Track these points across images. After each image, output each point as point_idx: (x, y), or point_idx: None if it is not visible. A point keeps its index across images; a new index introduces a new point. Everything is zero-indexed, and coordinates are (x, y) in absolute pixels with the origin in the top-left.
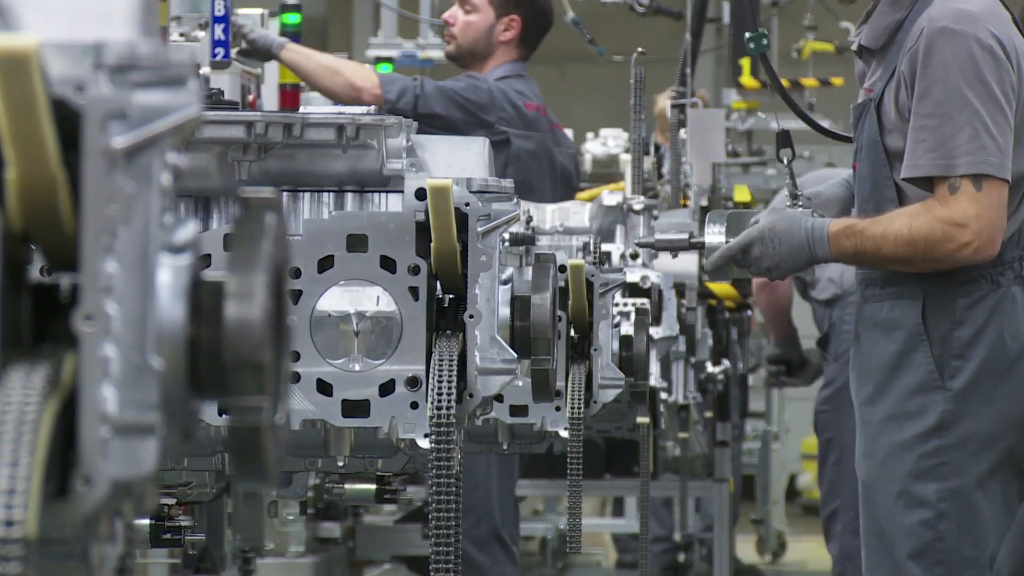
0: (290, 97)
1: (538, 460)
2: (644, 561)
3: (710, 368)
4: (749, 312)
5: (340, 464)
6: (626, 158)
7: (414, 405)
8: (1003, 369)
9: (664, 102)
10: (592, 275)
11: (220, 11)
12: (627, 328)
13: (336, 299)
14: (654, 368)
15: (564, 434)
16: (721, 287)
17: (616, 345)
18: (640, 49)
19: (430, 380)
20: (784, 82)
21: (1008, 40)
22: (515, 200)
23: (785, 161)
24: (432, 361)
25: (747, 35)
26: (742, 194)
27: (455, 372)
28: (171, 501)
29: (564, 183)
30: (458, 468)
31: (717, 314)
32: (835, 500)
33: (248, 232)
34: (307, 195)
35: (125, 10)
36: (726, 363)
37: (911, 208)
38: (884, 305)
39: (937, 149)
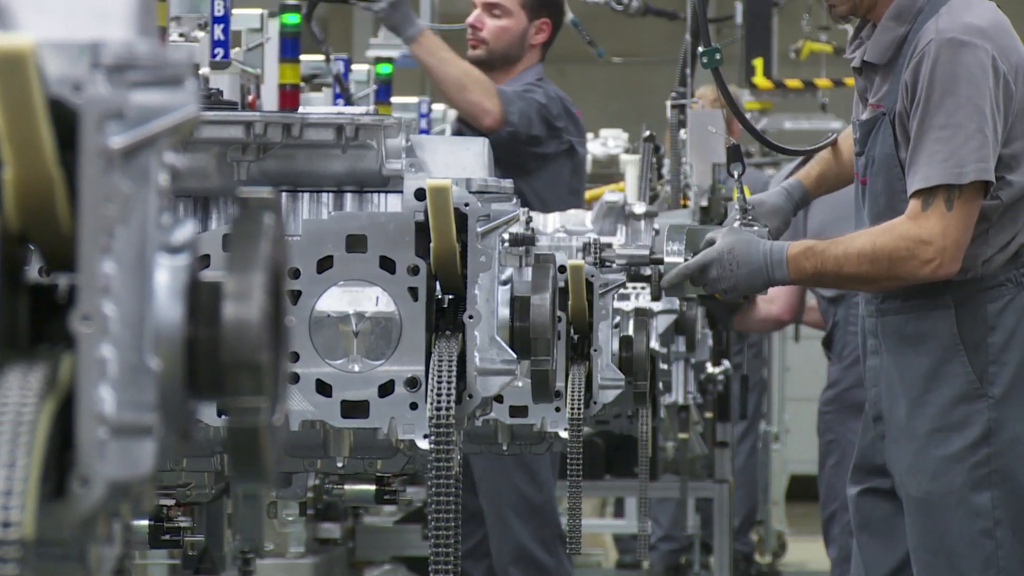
0: (290, 98)
1: None
2: (644, 549)
3: (710, 368)
4: None
5: (339, 465)
6: (626, 158)
7: (413, 406)
8: None
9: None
10: (592, 275)
11: (220, 11)
12: (632, 304)
13: (335, 300)
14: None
15: (564, 435)
16: None
17: (616, 346)
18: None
19: (429, 381)
20: (797, 83)
21: (1014, 53)
22: (515, 200)
23: (736, 175)
24: (431, 362)
25: (700, 50)
26: None
27: (454, 373)
28: (170, 502)
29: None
30: (457, 469)
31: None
32: (834, 502)
33: (246, 232)
34: (306, 195)
35: (122, 10)
36: (726, 363)
37: (875, 228)
38: (910, 317)
39: (935, 157)
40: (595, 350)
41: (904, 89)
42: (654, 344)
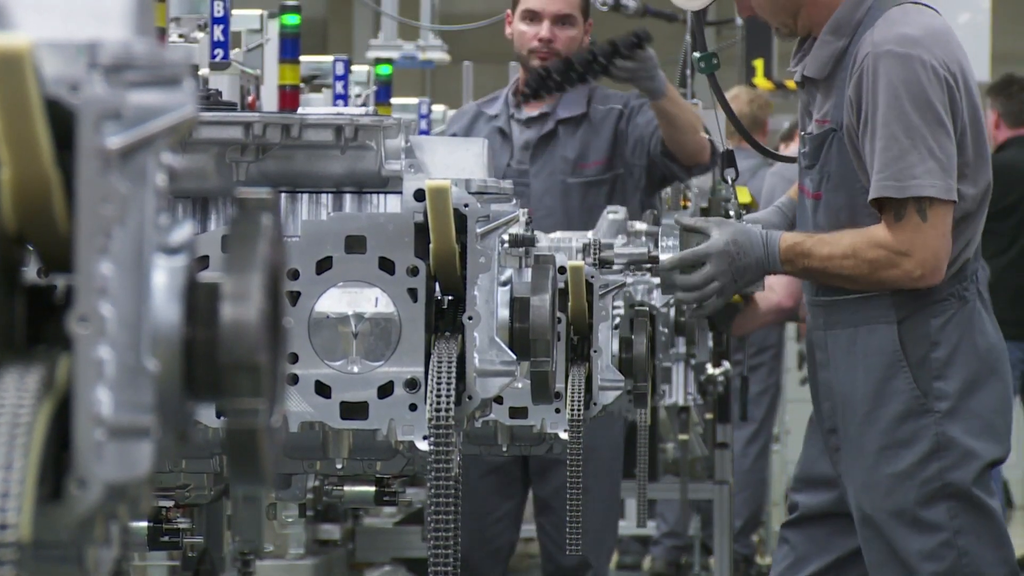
0: (289, 98)
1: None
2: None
3: (710, 370)
4: None
5: (339, 466)
6: None
7: (413, 407)
8: (984, 380)
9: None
10: (592, 277)
11: (219, 12)
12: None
13: (334, 301)
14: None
15: (564, 436)
16: None
17: (616, 347)
18: None
19: (429, 382)
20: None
21: (954, 61)
22: (514, 201)
23: (729, 180)
24: (431, 363)
25: (696, 55)
26: (743, 195)
27: (454, 374)
28: (169, 503)
29: None
30: (457, 470)
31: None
32: None
33: (244, 233)
34: (305, 196)
35: (120, 9)
36: (726, 365)
37: (858, 231)
38: (857, 331)
39: (885, 171)
40: (595, 351)
41: (849, 104)
42: (655, 299)
